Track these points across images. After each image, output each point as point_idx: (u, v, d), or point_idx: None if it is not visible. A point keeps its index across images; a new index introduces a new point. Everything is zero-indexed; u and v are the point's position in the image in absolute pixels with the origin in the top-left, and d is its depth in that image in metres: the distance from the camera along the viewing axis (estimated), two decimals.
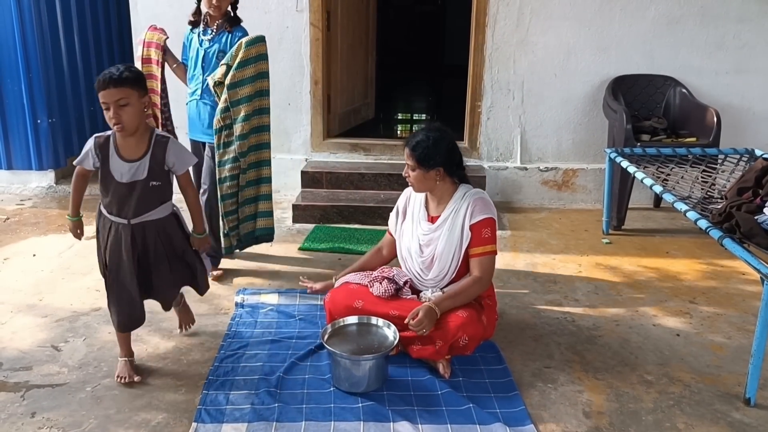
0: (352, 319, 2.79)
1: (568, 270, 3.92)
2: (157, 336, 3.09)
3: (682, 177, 3.92)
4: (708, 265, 4.00)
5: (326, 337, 2.69)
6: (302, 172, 4.94)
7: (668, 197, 3.39)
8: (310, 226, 4.57)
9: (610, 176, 4.42)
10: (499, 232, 4.52)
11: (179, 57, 3.72)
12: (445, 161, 2.82)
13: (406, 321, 2.63)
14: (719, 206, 3.11)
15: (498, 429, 2.41)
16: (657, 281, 3.77)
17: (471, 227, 2.81)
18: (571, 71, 5.03)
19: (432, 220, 2.92)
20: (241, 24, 3.60)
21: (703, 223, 2.97)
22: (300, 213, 4.64)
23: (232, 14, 3.58)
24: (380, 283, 2.86)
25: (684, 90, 4.87)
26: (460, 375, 2.76)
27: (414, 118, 7.96)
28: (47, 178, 5.40)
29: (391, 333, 2.72)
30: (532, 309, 3.41)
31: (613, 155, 4.24)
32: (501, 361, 2.88)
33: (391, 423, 2.44)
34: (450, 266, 2.84)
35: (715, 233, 2.83)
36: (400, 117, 7.73)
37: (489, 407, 2.55)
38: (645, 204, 5.13)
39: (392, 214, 3.12)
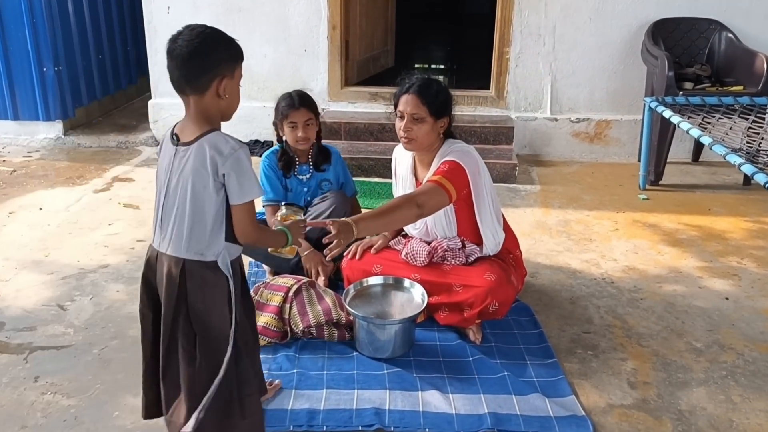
0: (377, 280, 2.59)
1: (604, 227, 3.67)
2: None
3: (731, 128, 3.62)
4: (755, 223, 3.73)
5: (348, 299, 2.49)
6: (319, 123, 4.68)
7: (719, 149, 3.11)
8: None
9: (649, 127, 4.13)
10: (528, 187, 4.28)
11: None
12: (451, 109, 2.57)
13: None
14: None
15: (536, 400, 2.21)
16: (700, 240, 3.52)
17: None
18: (608, 14, 4.68)
19: (419, 185, 2.64)
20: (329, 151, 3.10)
21: (761, 177, 2.71)
22: None
23: (318, 145, 3.06)
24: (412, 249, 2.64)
25: (730, 34, 4.51)
26: (492, 340, 2.57)
27: (434, 67, 7.64)
28: (55, 129, 5.18)
29: (419, 294, 2.51)
30: (567, 269, 3.18)
31: (653, 104, 3.93)
32: (536, 325, 2.67)
33: (420, 392, 2.25)
34: (447, 227, 2.62)
35: None
36: (421, 65, 7.40)
37: (525, 375, 2.36)
38: (682, 158, 4.82)
39: (393, 182, 2.84)
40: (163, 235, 1.73)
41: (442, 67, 7.55)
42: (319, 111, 3.52)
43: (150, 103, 5.07)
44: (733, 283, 3.06)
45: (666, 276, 3.12)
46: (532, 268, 3.12)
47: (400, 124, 2.51)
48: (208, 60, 1.66)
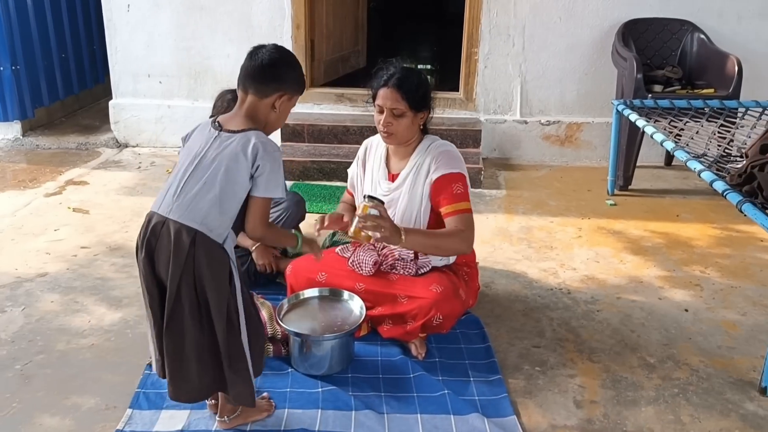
0: (313, 292, 2.46)
1: (567, 234, 3.56)
2: (103, 306, 2.78)
3: (697, 132, 3.52)
4: (722, 230, 3.62)
5: (282, 313, 2.36)
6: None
7: (681, 155, 3.01)
8: (289, 184, 4.21)
9: (617, 131, 4.02)
10: (493, 192, 4.17)
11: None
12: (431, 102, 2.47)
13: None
14: (739, 165, 2.73)
15: (475, 420, 2.09)
16: (665, 248, 3.41)
17: (436, 182, 2.40)
18: (578, 14, 4.57)
19: (392, 178, 2.53)
20: None
21: (719, 185, 2.60)
22: None
23: None
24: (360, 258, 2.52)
25: (702, 36, 4.41)
26: (437, 355, 2.44)
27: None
28: (13, 129, 5.02)
29: (357, 307, 2.39)
30: (524, 278, 3.06)
31: (621, 107, 3.83)
32: (484, 339, 2.55)
33: (353, 412, 2.13)
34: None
35: (734, 197, 2.46)
36: None
37: (466, 394, 2.24)
38: (655, 162, 4.71)
39: (353, 167, 2.69)
40: (178, 203, 1.80)
41: (428, 67, 7.43)
42: None
43: (111, 103, 4.91)
44: (694, 293, 2.95)
45: (625, 286, 3.01)
46: (487, 278, 3.01)
47: (379, 118, 2.40)
48: (282, 74, 1.88)
